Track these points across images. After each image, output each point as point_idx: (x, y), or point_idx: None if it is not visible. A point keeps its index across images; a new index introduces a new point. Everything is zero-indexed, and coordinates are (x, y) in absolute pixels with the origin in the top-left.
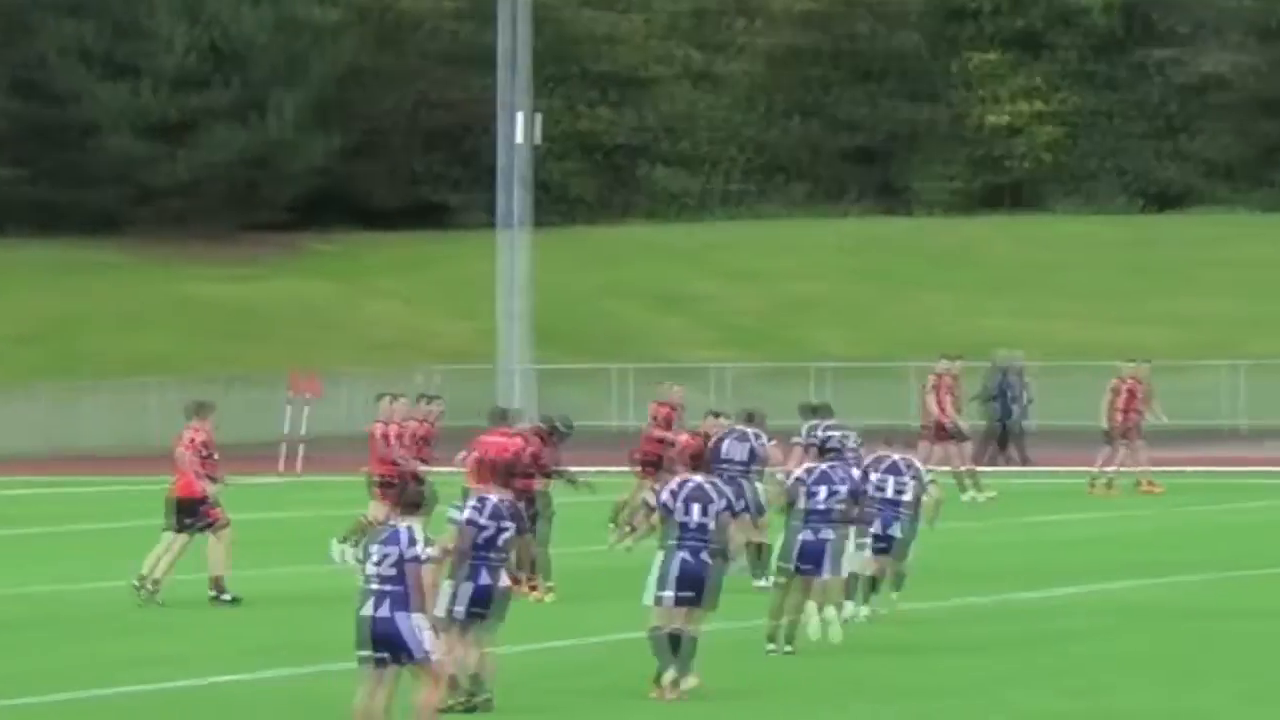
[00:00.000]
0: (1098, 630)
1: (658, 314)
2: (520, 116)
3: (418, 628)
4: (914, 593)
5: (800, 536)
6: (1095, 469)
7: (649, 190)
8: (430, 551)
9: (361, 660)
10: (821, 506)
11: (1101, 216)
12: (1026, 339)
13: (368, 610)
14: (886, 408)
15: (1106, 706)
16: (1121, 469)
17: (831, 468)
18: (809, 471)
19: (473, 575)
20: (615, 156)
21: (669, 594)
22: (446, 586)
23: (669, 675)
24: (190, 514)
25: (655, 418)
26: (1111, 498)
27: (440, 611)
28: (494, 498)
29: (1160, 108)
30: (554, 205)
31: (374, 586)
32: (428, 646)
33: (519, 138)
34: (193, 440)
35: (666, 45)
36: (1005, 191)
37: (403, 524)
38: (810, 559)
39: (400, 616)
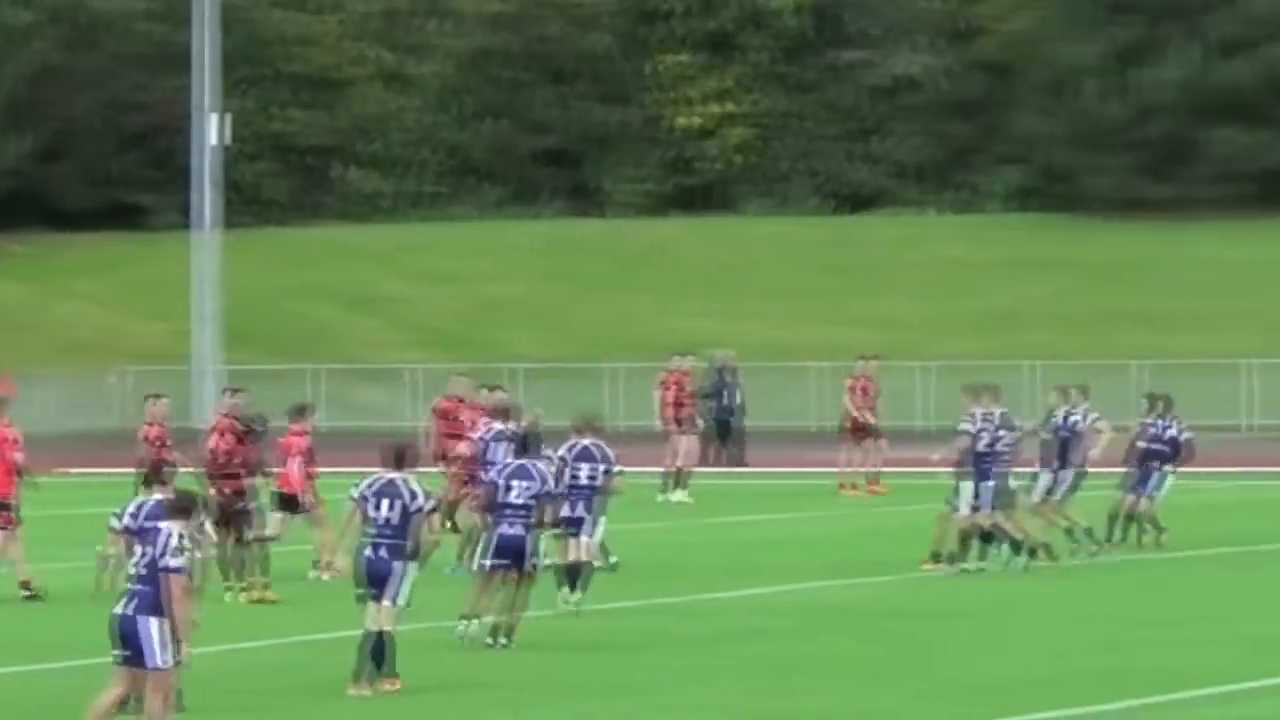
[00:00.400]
0: (789, 630)
1: (351, 315)
2: (214, 118)
3: (158, 634)
4: (609, 590)
5: (498, 531)
6: (866, 469)
7: (343, 192)
8: (180, 562)
9: (113, 658)
10: (517, 501)
11: (794, 218)
12: (720, 340)
13: (118, 608)
14: (580, 408)
15: (794, 706)
16: (866, 468)
17: (529, 463)
18: (505, 467)
19: None
20: (309, 158)
21: (360, 590)
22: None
23: (361, 676)
24: None
25: (445, 414)
26: (882, 493)
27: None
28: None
29: (852, 110)
30: (247, 206)
31: (130, 585)
32: (159, 656)
33: (213, 139)
34: (17, 440)
35: (359, 47)
36: (698, 193)
37: (165, 526)
38: (507, 554)
39: (143, 620)
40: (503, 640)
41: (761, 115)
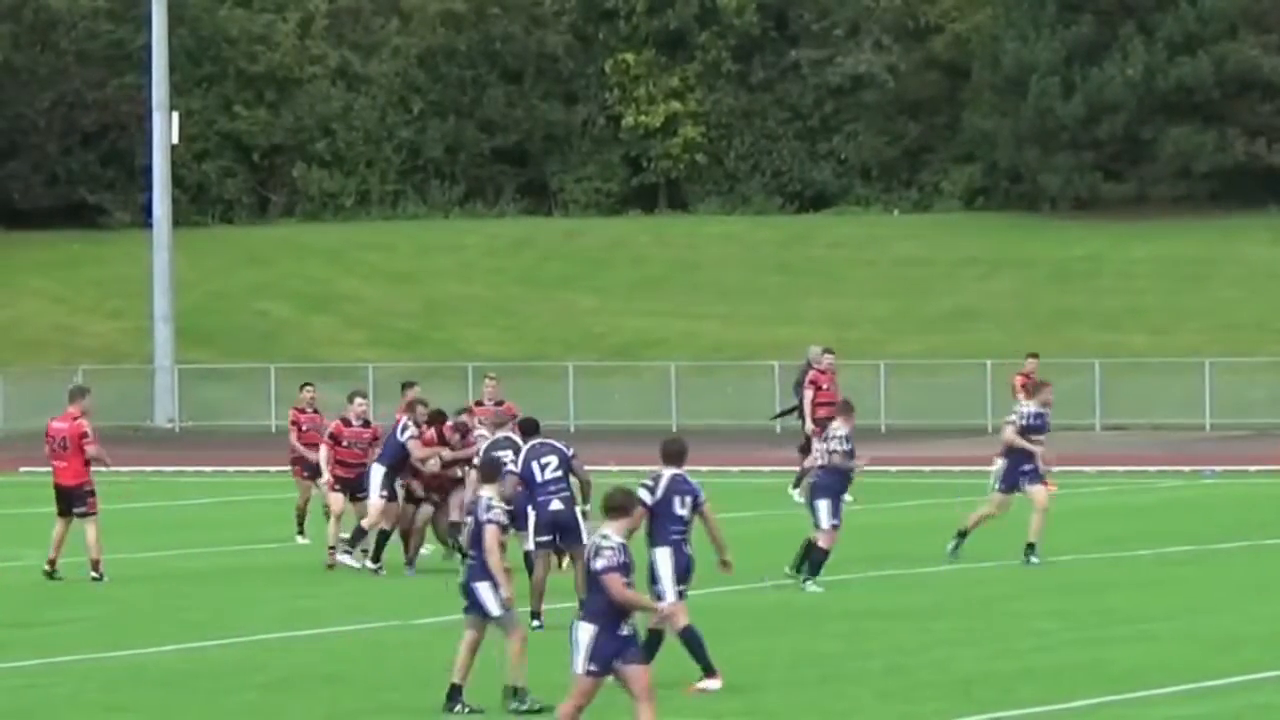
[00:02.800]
0: (751, 629)
1: (307, 314)
2: (176, 116)
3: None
4: (569, 590)
5: (541, 511)
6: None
7: (302, 191)
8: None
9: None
10: (551, 476)
11: (749, 217)
12: (674, 339)
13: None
14: (538, 407)
15: (761, 705)
16: None
17: (544, 442)
18: (533, 448)
19: None
20: (268, 157)
21: (681, 587)
22: None
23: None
24: None
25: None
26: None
27: None
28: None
29: (806, 108)
30: (207, 205)
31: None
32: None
33: (175, 138)
34: None
35: (318, 46)
36: (653, 192)
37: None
38: (552, 530)
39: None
40: None
41: (716, 114)
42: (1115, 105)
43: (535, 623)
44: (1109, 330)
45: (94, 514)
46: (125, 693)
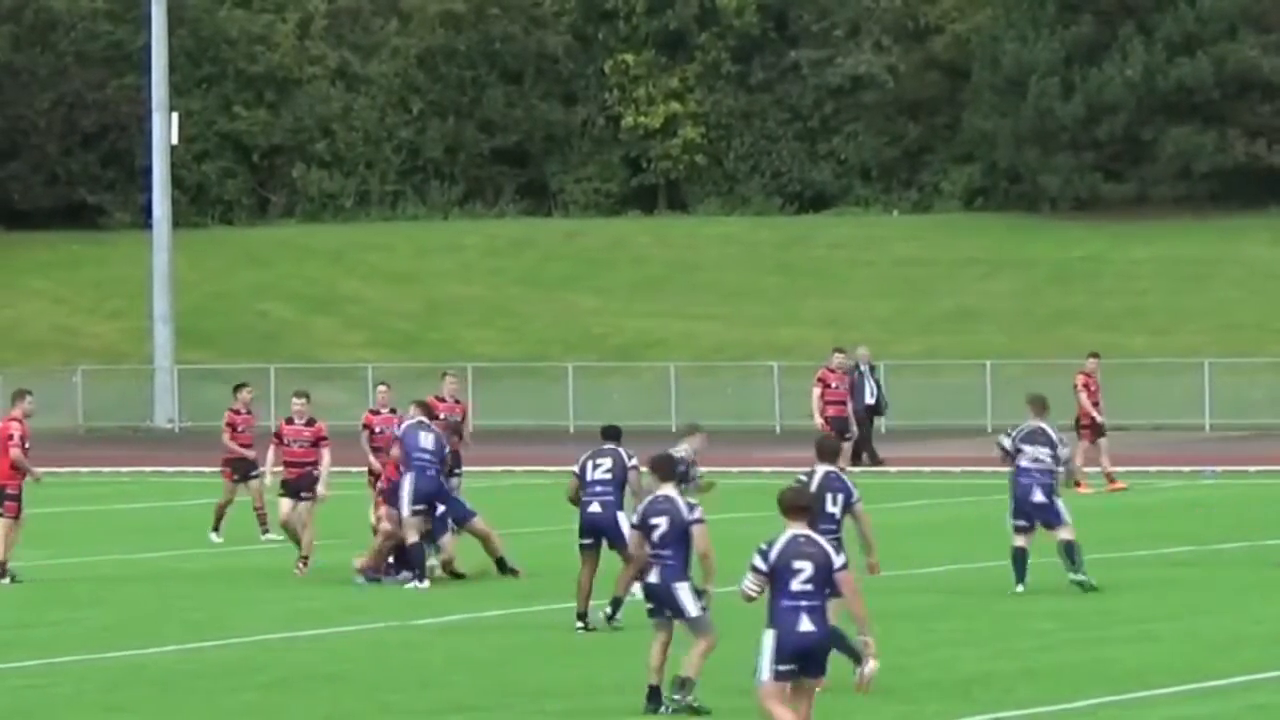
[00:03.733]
0: (757, 629)
1: (307, 315)
2: (175, 117)
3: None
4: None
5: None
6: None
7: (301, 191)
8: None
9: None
10: (599, 478)
11: (749, 218)
12: (674, 339)
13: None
14: (538, 408)
15: (755, 705)
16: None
17: (608, 447)
18: (597, 449)
19: None
20: (268, 157)
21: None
22: None
23: None
24: None
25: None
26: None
27: None
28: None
29: (808, 109)
30: (206, 206)
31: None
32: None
33: (174, 139)
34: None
35: (318, 46)
36: (652, 193)
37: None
38: (591, 533)
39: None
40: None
41: (715, 114)
42: (1115, 106)
43: (579, 624)
44: (1109, 331)
45: (6, 517)
46: (125, 693)
